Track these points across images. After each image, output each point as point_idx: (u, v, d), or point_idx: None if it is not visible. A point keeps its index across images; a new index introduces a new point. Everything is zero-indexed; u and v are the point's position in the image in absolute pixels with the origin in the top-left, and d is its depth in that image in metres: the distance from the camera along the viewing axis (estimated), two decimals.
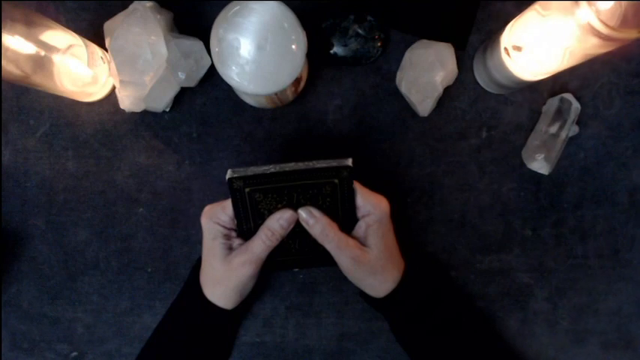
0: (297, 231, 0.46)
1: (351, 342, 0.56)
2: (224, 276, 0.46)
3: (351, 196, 0.45)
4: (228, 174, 0.43)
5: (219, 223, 0.45)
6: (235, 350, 0.56)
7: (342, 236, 0.45)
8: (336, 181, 0.44)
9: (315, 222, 0.45)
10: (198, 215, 0.55)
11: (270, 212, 0.45)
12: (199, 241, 0.55)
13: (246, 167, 0.43)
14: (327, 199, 0.45)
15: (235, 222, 0.46)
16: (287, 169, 0.42)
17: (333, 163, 0.43)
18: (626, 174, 0.56)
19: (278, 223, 0.44)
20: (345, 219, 0.46)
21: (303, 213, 0.45)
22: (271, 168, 0.43)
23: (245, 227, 0.46)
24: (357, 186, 0.45)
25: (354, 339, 0.56)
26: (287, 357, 0.56)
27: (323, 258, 0.47)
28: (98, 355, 0.56)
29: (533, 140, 0.54)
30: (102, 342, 0.56)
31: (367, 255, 0.45)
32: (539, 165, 0.54)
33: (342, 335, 0.56)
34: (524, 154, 0.55)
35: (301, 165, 0.43)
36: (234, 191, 0.43)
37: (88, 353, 0.56)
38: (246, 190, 0.43)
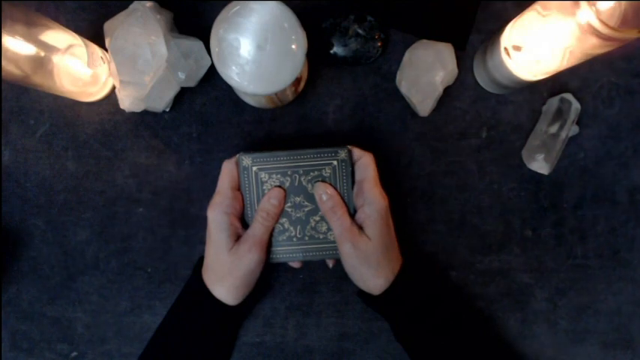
0: (298, 218, 0.48)
1: (351, 342, 0.56)
2: (232, 267, 0.46)
3: (349, 184, 0.48)
4: (239, 154, 0.48)
5: (225, 212, 0.46)
6: (235, 350, 0.56)
7: (349, 218, 0.46)
8: (335, 163, 0.47)
9: (329, 197, 0.47)
10: (198, 215, 0.56)
11: None
12: (199, 241, 0.55)
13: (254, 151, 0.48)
14: (327, 182, 0.48)
15: (237, 210, 0.48)
16: (291, 150, 0.48)
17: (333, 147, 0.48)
18: (626, 174, 0.56)
19: (269, 202, 0.47)
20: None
21: (318, 187, 0.47)
22: (278, 151, 0.48)
23: (250, 210, 0.48)
24: (372, 170, 0.47)
25: (354, 339, 0.56)
26: (287, 357, 0.56)
27: (323, 249, 0.49)
28: (98, 355, 0.56)
29: (533, 140, 0.54)
30: (102, 342, 0.56)
31: (364, 243, 0.45)
32: (539, 165, 0.54)
33: (342, 335, 0.56)
34: (524, 154, 0.55)
35: (304, 149, 0.48)
36: (242, 169, 0.48)
37: (88, 353, 0.56)
38: (254, 168, 0.48)
